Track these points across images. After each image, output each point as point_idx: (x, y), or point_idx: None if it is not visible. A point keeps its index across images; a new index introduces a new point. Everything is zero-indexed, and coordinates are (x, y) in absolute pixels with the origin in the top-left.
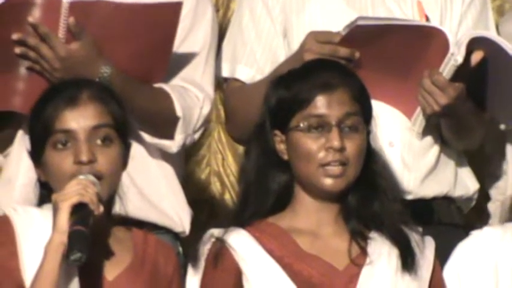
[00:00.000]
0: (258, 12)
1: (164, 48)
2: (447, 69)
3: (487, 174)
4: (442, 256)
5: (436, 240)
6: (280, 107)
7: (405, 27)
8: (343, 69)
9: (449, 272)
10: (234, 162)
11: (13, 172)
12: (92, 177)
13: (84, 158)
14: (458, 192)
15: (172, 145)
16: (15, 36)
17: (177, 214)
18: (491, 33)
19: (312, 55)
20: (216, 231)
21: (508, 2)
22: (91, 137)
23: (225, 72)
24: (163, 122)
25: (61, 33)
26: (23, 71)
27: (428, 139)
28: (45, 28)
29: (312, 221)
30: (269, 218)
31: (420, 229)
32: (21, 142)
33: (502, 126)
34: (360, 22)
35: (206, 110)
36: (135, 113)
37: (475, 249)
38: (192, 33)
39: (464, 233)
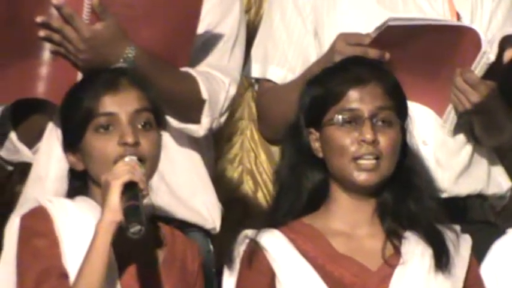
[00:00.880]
0: (288, 12)
1: (188, 30)
2: (479, 67)
3: None
4: (475, 254)
5: None
6: (314, 103)
7: (436, 27)
8: (377, 65)
9: (486, 270)
10: (266, 160)
11: (43, 168)
12: (136, 160)
13: (129, 139)
14: (491, 190)
15: (199, 129)
16: (39, 19)
17: (207, 211)
18: None
19: (342, 57)
20: (249, 232)
21: None
22: (133, 121)
23: (257, 73)
24: (189, 104)
25: (85, 14)
26: (47, 55)
27: (461, 138)
28: (69, 9)
29: (347, 221)
30: (304, 218)
31: (458, 227)
32: (51, 137)
33: None
34: (391, 23)
35: (232, 93)
36: (161, 95)
37: (509, 251)
38: (219, 25)
39: (498, 231)
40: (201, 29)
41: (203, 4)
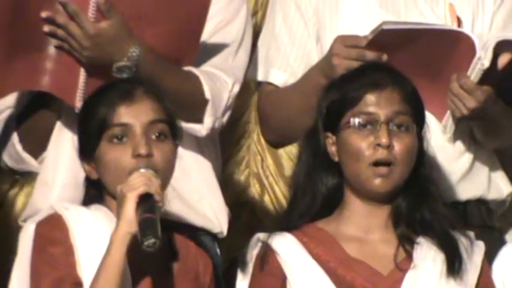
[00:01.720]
0: (291, 16)
1: (194, 30)
2: (474, 73)
3: None
4: None
5: None
6: (331, 108)
7: (431, 31)
8: (394, 70)
9: (493, 275)
10: (273, 164)
11: (50, 174)
12: (152, 171)
13: (142, 151)
14: (492, 195)
15: (202, 128)
16: (44, 14)
17: (215, 215)
18: None
19: (340, 59)
20: (262, 235)
21: None
22: (147, 132)
23: (259, 76)
24: (193, 104)
25: (91, 11)
26: (51, 50)
27: (462, 143)
28: (75, 6)
29: (360, 226)
30: (318, 222)
31: (472, 234)
32: (59, 143)
33: None
34: (385, 27)
35: (234, 93)
36: (165, 95)
37: None
38: (225, 27)
39: (498, 236)
40: (207, 30)
41: (210, 5)
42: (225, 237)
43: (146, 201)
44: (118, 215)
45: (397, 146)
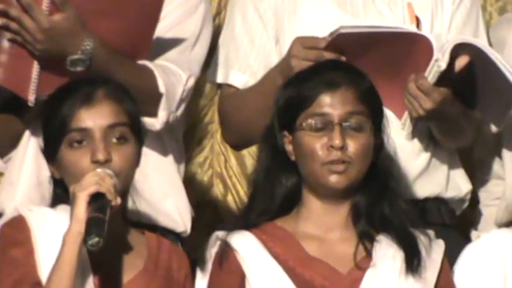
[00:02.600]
0: (250, 17)
1: (149, 25)
2: (432, 74)
3: (477, 179)
4: None
5: None
6: (287, 106)
7: (389, 33)
8: (350, 68)
9: (457, 274)
10: (236, 164)
11: (15, 174)
12: (108, 171)
13: (101, 157)
14: (450, 194)
15: (156, 122)
16: None
17: (178, 214)
18: (475, 39)
19: (298, 60)
20: (220, 234)
21: (510, 3)
22: (107, 136)
23: (219, 78)
24: (147, 98)
25: (45, 4)
26: (4, 43)
27: (420, 141)
28: None
29: (318, 225)
30: (277, 220)
31: (431, 232)
32: (26, 144)
33: (493, 128)
34: (343, 30)
35: (189, 87)
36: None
37: (484, 252)
38: (182, 23)
39: (456, 234)
40: (164, 25)
41: (166, 3)
42: (188, 237)
43: (97, 201)
44: (70, 215)
45: (352, 146)
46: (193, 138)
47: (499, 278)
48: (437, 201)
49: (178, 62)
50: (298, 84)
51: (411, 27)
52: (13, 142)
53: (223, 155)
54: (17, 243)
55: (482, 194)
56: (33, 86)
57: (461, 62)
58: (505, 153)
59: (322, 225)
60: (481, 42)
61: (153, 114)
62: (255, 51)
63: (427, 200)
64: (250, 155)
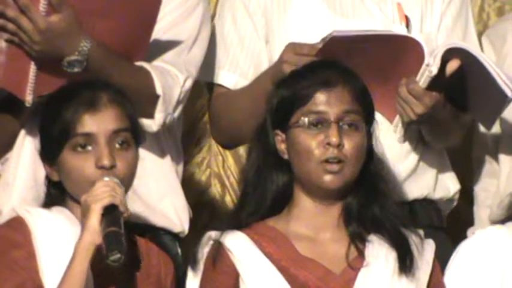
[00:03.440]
0: (239, 17)
1: (146, 26)
2: (423, 78)
3: (475, 177)
4: None
5: None
6: (281, 105)
7: (381, 37)
8: (345, 68)
9: (453, 272)
10: (234, 164)
11: (12, 174)
12: (116, 179)
13: (106, 162)
14: (438, 195)
15: (153, 124)
16: None
17: (176, 214)
18: (466, 44)
19: (290, 67)
20: (213, 234)
21: (508, 3)
22: (111, 141)
23: (208, 78)
24: (143, 99)
25: (42, 5)
26: (1, 43)
27: (409, 143)
28: (26, 0)
29: (310, 224)
30: (268, 220)
31: (421, 232)
32: (21, 145)
33: (483, 129)
34: (335, 34)
35: (186, 88)
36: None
37: (480, 249)
38: (180, 24)
39: (444, 235)
40: (162, 26)
41: (165, 3)
42: (185, 238)
43: (111, 213)
44: (82, 225)
45: (347, 145)
46: (192, 138)
47: (495, 275)
48: (426, 203)
49: (176, 64)
50: (292, 83)
51: (403, 31)
52: (8, 143)
53: (221, 155)
54: (17, 245)
55: (481, 193)
56: (30, 87)
57: (452, 66)
58: (501, 153)
59: (314, 225)
60: (472, 48)
61: (150, 115)
62: (244, 51)
63: (415, 201)
64: (247, 152)
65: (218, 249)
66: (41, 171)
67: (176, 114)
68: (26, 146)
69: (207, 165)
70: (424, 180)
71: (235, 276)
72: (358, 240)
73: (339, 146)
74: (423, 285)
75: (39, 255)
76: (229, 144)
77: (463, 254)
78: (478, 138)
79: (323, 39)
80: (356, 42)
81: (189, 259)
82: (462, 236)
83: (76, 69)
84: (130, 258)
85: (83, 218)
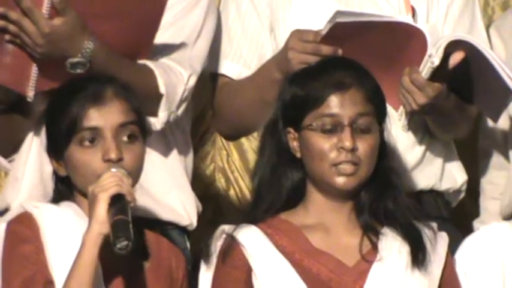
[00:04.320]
0: (243, 7)
1: (150, 26)
2: (425, 69)
3: (480, 170)
4: None
5: None
6: (294, 104)
7: (384, 23)
8: (358, 68)
9: (456, 266)
10: (238, 158)
11: (21, 170)
12: (123, 170)
13: (113, 156)
14: (445, 186)
15: (156, 122)
16: None
17: (183, 207)
18: (470, 37)
19: (296, 53)
20: (227, 228)
21: None
22: (118, 135)
23: (212, 68)
24: (147, 98)
25: (45, 8)
26: (7, 44)
27: (415, 133)
28: (29, 2)
29: (324, 218)
30: (282, 214)
31: (434, 225)
32: (30, 142)
33: (490, 121)
34: (339, 19)
35: (190, 85)
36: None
37: (482, 244)
38: (184, 17)
39: (453, 227)
40: (166, 20)
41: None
42: (192, 232)
43: (118, 202)
44: (90, 216)
45: (361, 148)
46: (196, 132)
47: (498, 271)
48: (433, 194)
49: (180, 60)
50: (305, 83)
51: (407, 18)
52: (19, 142)
53: (225, 150)
54: (26, 240)
55: (487, 186)
56: (31, 84)
57: (456, 58)
58: (511, 146)
59: (327, 219)
60: (477, 40)
61: (154, 114)
62: (248, 41)
63: (421, 192)
64: (252, 149)
65: (231, 243)
66: (47, 168)
67: (180, 112)
68: (34, 142)
69: (212, 160)
70: (430, 171)
71: (248, 270)
72: (371, 232)
73: (353, 149)
74: (436, 279)
75: (48, 249)
76: (232, 134)
77: (466, 249)
78: (484, 130)
79: (328, 22)
80: (360, 28)
81: (197, 252)
82: (466, 228)
83: (79, 71)
84: (140, 250)
85: (91, 209)
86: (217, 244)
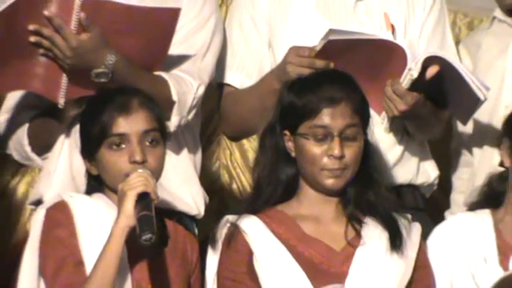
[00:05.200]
0: (245, 26)
1: (163, 42)
2: (406, 80)
3: (452, 168)
4: None
5: None
6: (291, 112)
7: (370, 40)
8: (348, 83)
9: (428, 251)
10: (240, 157)
11: (53, 165)
12: (148, 171)
13: (138, 158)
14: (420, 180)
15: (169, 125)
16: (31, 27)
17: (192, 199)
18: (444, 53)
19: (293, 67)
20: (230, 217)
21: (476, 19)
22: (142, 140)
23: (219, 78)
24: (161, 105)
25: (73, 25)
26: (41, 57)
27: (395, 135)
28: (59, 21)
29: (314, 209)
30: (278, 206)
31: (409, 216)
32: (62, 142)
33: (460, 125)
34: (331, 37)
35: (199, 94)
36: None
37: (450, 232)
38: (194, 35)
39: (427, 217)
40: (178, 38)
41: (180, 17)
42: (199, 220)
43: (144, 199)
44: (118, 210)
45: (348, 155)
46: (203, 134)
47: (464, 254)
48: (410, 187)
49: (190, 72)
50: (302, 94)
51: (389, 36)
52: (52, 143)
53: (228, 149)
54: (61, 225)
55: (456, 181)
56: (62, 92)
57: (432, 71)
58: (474, 145)
59: (317, 210)
60: (449, 56)
61: (167, 118)
62: (250, 55)
63: (401, 186)
64: (252, 149)
65: (234, 230)
66: (77, 166)
67: (190, 117)
68: (66, 143)
69: (217, 158)
70: (408, 168)
71: (249, 253)
72: (355, 221)
73: (341, 157)
74: (411, 262)
75: (80, 234)
76: (237, 136)
77: (437, 236)
78: (456, 133)
79: (322, 39)
80: (349, 44)
81: (202, 238)
82: (437, 217)
83: (102, 80)
84: (159, 236)
85: (119, 204)
86: (222, 231)
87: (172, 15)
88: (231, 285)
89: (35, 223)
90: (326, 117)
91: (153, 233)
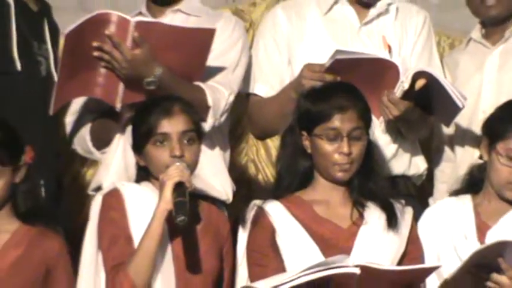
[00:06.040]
0: (269, 46)
1: (201, 58)
2: (399, 91)
3: (435, 162)
4: None
5: None
6: (308, 117)
7: (370, 59)
8: (354, 93)
9: (418, 230)
10: (264, 153)
11: (110, 158)
12: (184, 164)
13: (177, 152)
14: (412, 171)
15: (205, 126)
16: (94, 43)
17: (222, 187)
18: (430, 68)
19: (307, 80)
20: (257, 202)
21: (457, 40)
22: (181, 138)
23: (247, 89)
24: (199, 109)
25: (128, 42)
26: (102, 69)
27: (391, 135)
28: (117, 39)
29: (325, 195)
30: (296, 192)
31: (403, 201)
32: (118, 139)
33: (443, 127)
34: (338, 56)
35: (230, 101)
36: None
37: (437, 214)
38: (226, 53)
39: (417, 202)
40: (213, 55)
41: (214, 39)
42: (231, 204)
43: (179, 188)
44: (159, 196)
45: (355, 152)
46: (234, 134)
47: (448, 232)
48: (404, 178)
49: (223, 83)
50: (317, 102)
51: (386, 55)
52: (108, 140)
53: (255, 146)
54: (114, 208)
55: (438, 173)
56: (119, 98)
57: (420, 83)
58: (456, 144)
59: (328, 196)
60: (435, 71)
61: (203, 120)
62: (273, 70)
63: (396, 176)
64: (274, 147)
65: (260, 212)
66: (130, 158)
67: (223, 119)
68: (121, 140)
69: (245, 154)
70: (402, 161)
71: (273, 231)
72: (359, 205)
73: (349, 154)
74: (404, 239)
75: (129, 215)
76: (262, 136)
77: (426, 218)
78: (438, 134)
79: (330, 58)
80: (353, 62)
81: (233, 219)
82: (425, 202)
83: (152, 87)
84: (194, 216)
85: (160, 191)
86: (250, 213)
87: (208, 34)
88: (258, 256)
89: (94, 207)
90: (337, 121)
91: (186, 216)
